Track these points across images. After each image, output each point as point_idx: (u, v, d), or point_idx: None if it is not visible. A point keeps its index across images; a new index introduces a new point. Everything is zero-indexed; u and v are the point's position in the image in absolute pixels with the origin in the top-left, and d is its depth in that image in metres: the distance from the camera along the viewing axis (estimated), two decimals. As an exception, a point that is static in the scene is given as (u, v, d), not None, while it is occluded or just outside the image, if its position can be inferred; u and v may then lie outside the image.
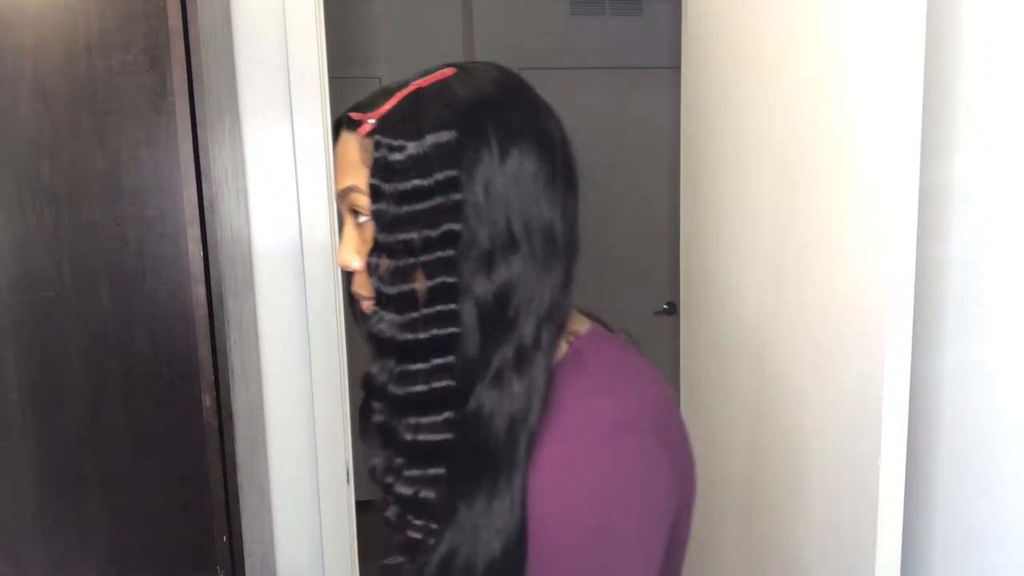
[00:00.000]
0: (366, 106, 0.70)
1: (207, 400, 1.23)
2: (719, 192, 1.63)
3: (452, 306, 0.66)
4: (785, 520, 1.38)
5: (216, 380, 1.24)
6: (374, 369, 0.71)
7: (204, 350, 1.22)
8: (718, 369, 1.60)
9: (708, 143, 1.68)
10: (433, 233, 0.65)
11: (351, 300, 0.77)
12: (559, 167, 0.72)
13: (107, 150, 1.17)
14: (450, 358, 0.67)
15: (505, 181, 0.67)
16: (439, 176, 0.65)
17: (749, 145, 1.45)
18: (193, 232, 1.20)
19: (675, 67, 1.91)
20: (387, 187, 0.66)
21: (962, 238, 1.18)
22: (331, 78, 1.71)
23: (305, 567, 1.76)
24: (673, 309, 3.15)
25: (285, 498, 1.72)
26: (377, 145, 0.67)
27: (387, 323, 0.68)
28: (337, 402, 1.68)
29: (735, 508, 1.53)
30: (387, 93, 0.70)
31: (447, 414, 0.68)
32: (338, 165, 0.72)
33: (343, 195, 0.71)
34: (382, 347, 0.69)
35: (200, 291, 1.21)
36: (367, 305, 0.72)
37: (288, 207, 1.65)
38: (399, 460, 0.71)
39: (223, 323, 1.24)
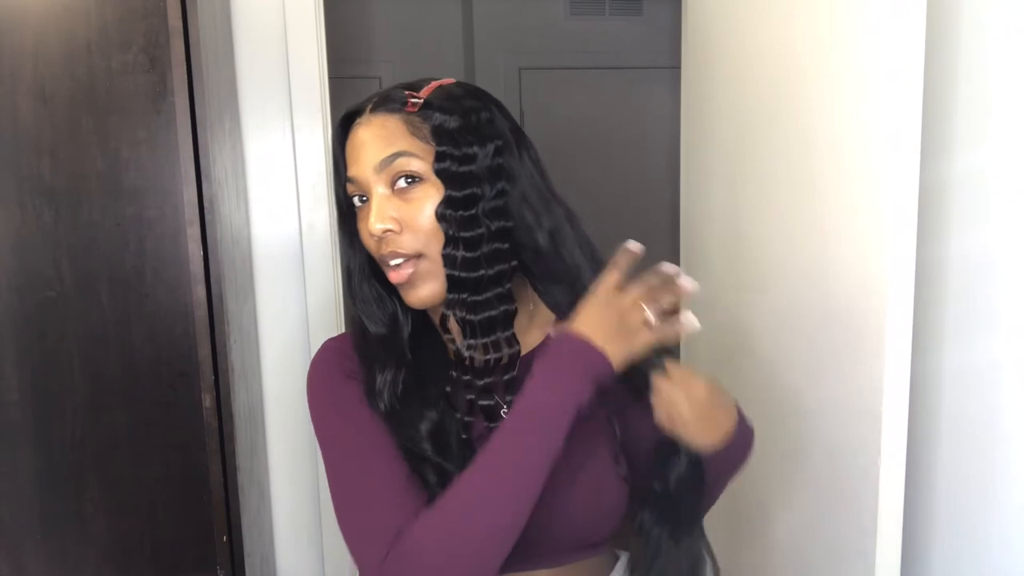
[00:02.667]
0: (388, 99, 0.82)
1: (207, 400, 1.23)
2: (719, 192, 1.63)
3: (507, 245, 0.81)
4: (785, 520, 1.38)
5: (216, 380, 1.24)
6: (447, 306, 0.82)
7: (204, 350, 1.22)
8: (718, 369, 1.60)
9: (708, 143, 1.68)
10: (491, 188, 0.80)
11: (348, 279, 0.88)
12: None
13: (107, 150, 1.17)
14: (508, 287, 0.82)
15: (524, 151, 0.84)
16: (490, 145, 0.80)
17: (749, 145, 1.45)
18: (193, 232, 1.20)
19: (675, 67, 1.91)
20: (452, 150, 0.79)
21: (962, 238, 1.18)
22: (331, 78, 1.71)
23: (305, 567, 1.76)
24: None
25: (285, 498, 1.72)
26: (434, 118, 0.79)
27: (460, 262, 0.79)
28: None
29: (735, 508, 1.53)
30: (408, 87, 0.83)
31: (509, 331, 0.82)
32: (370, 144, 0.81)
33: (383, 165, 0.80)
34: (457, 284, 0.80)
35: (200, 291, 1.21)
36: (402, 272, 0.81)
37: (288, 207, 1.65)
38: (468, 377, 0.84)
39: (223, 323, 1.24)
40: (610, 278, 0.79)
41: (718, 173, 1.63)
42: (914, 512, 1.23)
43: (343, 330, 1.74)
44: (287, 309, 1.67)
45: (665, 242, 3.07)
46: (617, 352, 0.76)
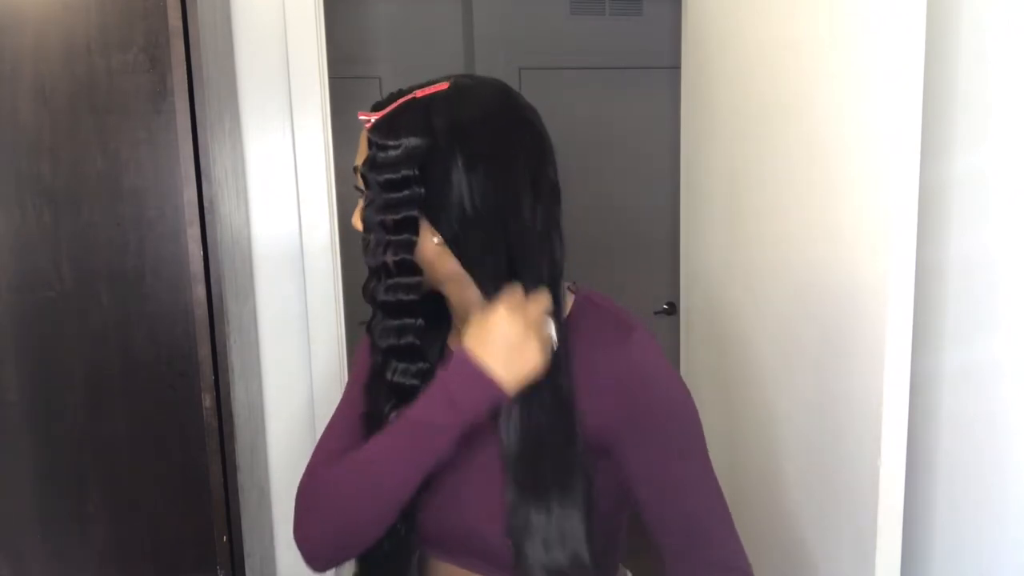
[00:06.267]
0: (377, 106, 0.84)
1: (207, 400, 1.23)
2: (719, 192, 1.63)
3: (416, 279, 0.82)
4: (785, 520, 1.38)
5: (216, 380, 1.24)
6: (373, 321, 0.86)
7: (204, 350, 1.22)
8: (718, 369, 1.60)
9: (708, 143, 1.68)
10: (397, 216, 0.80)
11: (365, 244, 0.89)
12: (527, 181, 0.81)
13: (107, 150, 1.17)
14: (417, 320, 0.84)
15: (463, 188, 0.79)
16: (405, 172, 0.79)
17: (749, 145, 1.45)
18: (193, 232, 1.20)
19: (675, 67, 1.91)
20: (370, 176, 0.81)
21: (962, 238, 1.18)
22: (331, 78, 1.71)
23: (305, 567, 1.76)
24: (673, 309, 3.15)
25: (285, 498, 1.72)
26: (369, 142, 0.81)
27: (370, 288, 0.84)
28: (337, 402, 1.67)
29: (734, 507, 1.53)
30: (393, 97, 0.83)
31: (419, 365, 0.85)
32: (361, 146, 0.85)
33: (357, 169, 0.84)
34: (372, 303, 0.85)
35: (200, 291, 1.21)
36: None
37: (288, 207, 1.65)
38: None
39: (223, 323, 1.24)
40: (514, 295, 0.78)
41: (718, 173, 1.63)
42: (914, 512, 1.23)
43: (343, 330, 1.75)
44: (287, 309, 1.67)
45: (664, 242, 3.07)
46: (514, 377, 0.77)
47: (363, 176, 0.82)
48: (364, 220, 0.83)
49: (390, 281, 0.82)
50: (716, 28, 1.60)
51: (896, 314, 1.04)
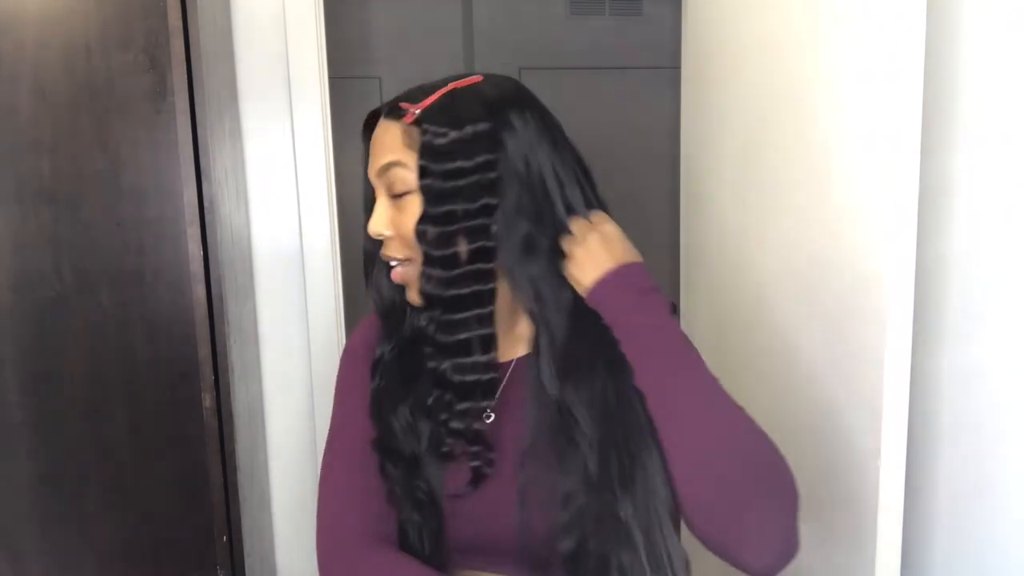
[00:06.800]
0: (407, 100, 0.81)
1: (207, 400, 1.23)
2: (719, 192, 1.63)
3: (490, 265, 0.79)
4: (785, 520, 1.38)
5: (216, 380, 1.24)
6: (422, 321, 0.83)
7: (204, 350, 1.22)
8: (718, 369, 1.60)
9: (708, 143, 1.68)
10: (473, 205, 0.77)
11: (367, 266, 0.89)
12: (574, 159, 0.83)
13: (107, 150, 1.17)
14: (489, 308, 0.80)
15: (529, 163, 0.79)
16: (479, 159, 0.77)
17: (749, 145, 1.45)
18: (193, 232, 1.20)
19: (675, 67, 1.91)
20: (434, 166, 0.77)
21: (962, 237, 1.18)
22: (331, 78, 1.71)
23: (305, 567, 1.76)
24: (673, 309, 3.15)
25: (285, 498, 1.72)
26: (424, 131, 0.78)
27: (435, 281, 0.79)
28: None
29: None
30: (424, 91, 0.81)
31: (490, 355, 0.81)
32: (375, 148, 0.82)
33: (382, 171, 0.81)
34: (430, 301, 0.80)
35: (200, 291, 1.21)
36: (398, 272, 0.83)
37: (288, 207, 1.65)
38: (448, 396, 0.82)
39: (223, 323, 1.24)
40: (584, 221, 0.81)
41: (718, 173, 1.63)
42: (914, 512, 1.23)
43: (343, 330, 1.75)
44: (287, 309, 1.67)
45: (665, 242, 3.07)
46: (633, 255, 0.81)
47: (423, 168, 0.78)
48: (427, 213, 0.78)
49: (457, 271, 0.78)
50: (716, 28, 1.60)
51: (896, 314, 1.04)
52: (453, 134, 0.77)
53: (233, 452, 1.26)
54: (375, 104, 0.86)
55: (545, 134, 0.81)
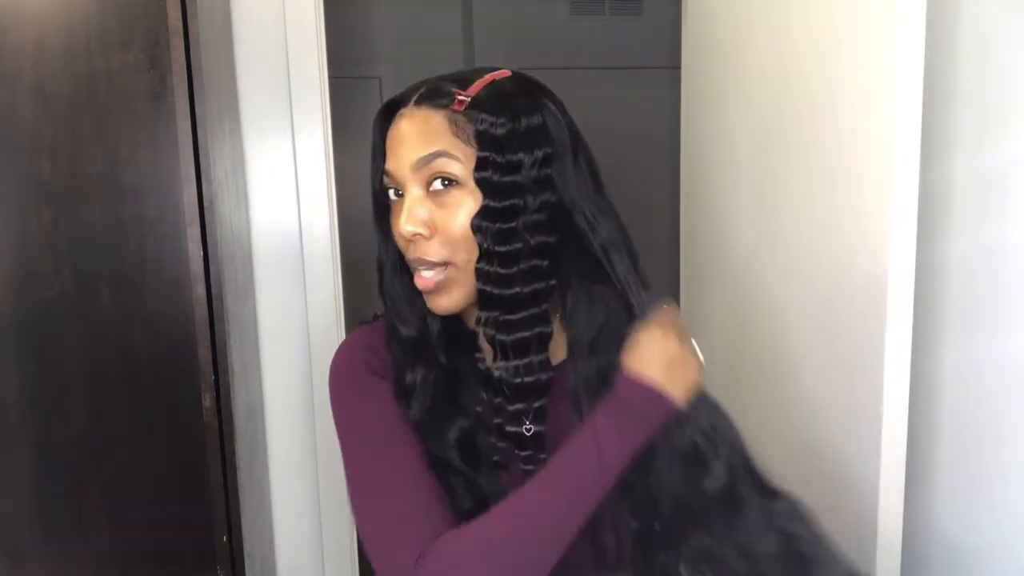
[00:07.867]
0: (436, 92, 0.76)
1: (207, 400, 1.23)
2: (719, 192, 1.63)
3: (546, 262, 0.76)
4: (785, 520, 1.38)
5: (216, 380, 1.24)
6: (480, 322, 0.78)
7: (204, 350, 1.22)
8: (718, 370, 1.60)
9: (708, 143, 1.68)
10: (534, 200, 0.75)
11: (380, 273, 0.83)
12: (587, 150, 0.82)
13: (107, 150, 1.17)
14: (545, 307, 0.77)
15: (577, 158, 0.78)
16: (538, 152, 0.75)
17: (748, 145, 1.45)
18: (193, 232, 1.20)
19: (675, 67, 1.91)
20: (498, 157, 0.73)
21: (963, 238, 1.18)
22: (331, 78, 1.71)
23: (305, 567, 1.76)
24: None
25: (285, 498, 1.72)
26: (479, 120, 0.74)
27: (494, 279, 0.75)
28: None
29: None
30: (458, 81, 0.77)
31: (544, 355, 0.78)
32: (409, 139, 0.76)
33: (421, 164, 0.75)
34: (489, 301, 0.76)
35: (200, 291, 1.21)
36: (429, 278, 0.77)
37: (288, 207, 1.65)
38: (499, 400, 0.79)
39: (223, 323, 1.24)
40: (669, 316, 0.75)
41: (718, 173, 1.63)
42: (914, 512, 1.23)
43: (343, 330, 1.75)
44: (287, 309, 1.67)
45: (664, 242, 3.07)
46: (681, 392, 0.73)
47: (483, 159, 0.73)
48: (489, 207, 0.74)
49: (516, 268, 0.75)
50: (716, 28, 1.60)
51: (896, 314, 1.04)
52: (511, 125, 0.74)
53: (233, 452, 1.26)
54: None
55: (573, 131, 0.80)
